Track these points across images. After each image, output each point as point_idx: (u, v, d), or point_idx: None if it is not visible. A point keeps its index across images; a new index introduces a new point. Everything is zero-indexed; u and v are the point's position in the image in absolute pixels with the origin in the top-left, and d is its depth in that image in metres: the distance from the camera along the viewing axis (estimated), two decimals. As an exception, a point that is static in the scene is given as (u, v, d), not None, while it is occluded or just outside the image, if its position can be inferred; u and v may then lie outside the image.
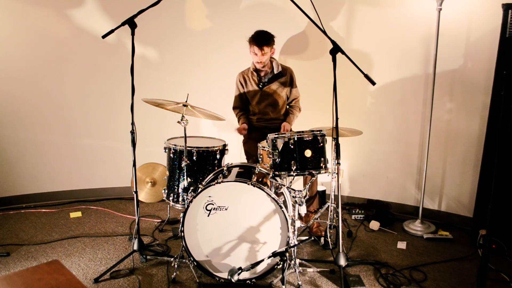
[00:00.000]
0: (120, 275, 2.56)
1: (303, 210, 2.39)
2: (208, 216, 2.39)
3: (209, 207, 2.39)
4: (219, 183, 2.34)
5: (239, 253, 2.41)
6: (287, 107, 3.43)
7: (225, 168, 2.64)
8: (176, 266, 2.55)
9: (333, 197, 3.00)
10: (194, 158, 2.83)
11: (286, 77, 3.29)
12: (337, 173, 2.47)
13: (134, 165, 2.58)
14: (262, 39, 3.08)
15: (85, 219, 3.49)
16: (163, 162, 3.14)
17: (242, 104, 3.42)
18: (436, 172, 3.55)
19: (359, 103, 3.81)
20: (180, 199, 2.92)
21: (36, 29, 3.59)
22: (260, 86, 3.27)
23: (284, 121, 3.34)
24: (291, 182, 2.56)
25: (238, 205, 2.38)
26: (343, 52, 2.35)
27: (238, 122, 3.42)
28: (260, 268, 2.40)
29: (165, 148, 3.00)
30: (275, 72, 3.26)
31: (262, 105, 3.32)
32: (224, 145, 2.99)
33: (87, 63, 3.79)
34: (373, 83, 2.32)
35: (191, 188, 2.56)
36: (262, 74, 3.28)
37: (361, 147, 3.83)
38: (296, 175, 2.42)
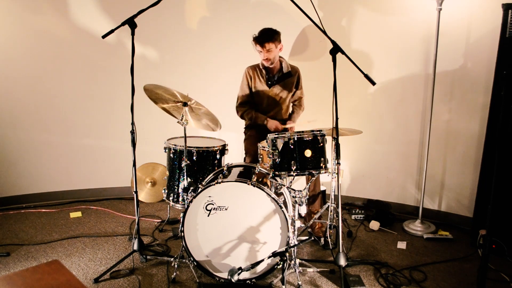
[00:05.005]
0: (120, 275, 2.56)
1: (303, 210, 2.39)
2: (208, 216, 2.39)
3: (209, 207, 2.39)
4: (219, 183, 2.34)
5: (239, 253, 2.41)
6: (291, 105, 3.44)
7: (225, 168, 2.64)
8: (176, 266, 2.55)
9: (333, 197, 3.00)
10: (194, 158, 2.83)
11: (293, 77, 3.29)
12: (337, 173, 2.47)
13: (134, 165, 2.58)
14: (262, 36, 3.07)
15: (85, 219, 3.49)
16: (163, 162, 3.14)
17: (250, 99, 3.32)
18: (436, 172, 3.55)
19: (359, 103, 3.81)
20: (180, 199, 2.92)
21: (35, 29, 3.59)
22: (269, 84, 3.27)
23: (289, 120, 3.36)
24: (291, 182, 2.56)
25: (238, 205, 2.38)
26: (343, 52, 2.35)
27: (251, 119, 3.29)
28: (260, 268, 2.40)
29: (165, 148, 3.00)
30: (284, 71, 3.25)
31: (264, 105, 3.31)
32: (224, 145, 2.99)
33: (87, 63, 3.79)
34: (373, 83, 2.32)
35: (191, 188, 2.56)
36: (271, 72, 3.27)
37: (361, 147, 3.83)
38: (296, 175, 2.42)
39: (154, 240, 3.09)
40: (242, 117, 3.37)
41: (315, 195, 3.16)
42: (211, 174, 2.71)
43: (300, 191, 2.40)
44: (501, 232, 2.82)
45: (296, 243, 2.37)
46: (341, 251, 2.46)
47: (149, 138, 3.59)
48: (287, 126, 3.27)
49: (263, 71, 3.26)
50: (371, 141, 3.77)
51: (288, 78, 3.28)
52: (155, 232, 3.24)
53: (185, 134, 2.66)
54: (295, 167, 2.39)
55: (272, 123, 3.24)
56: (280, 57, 3.27)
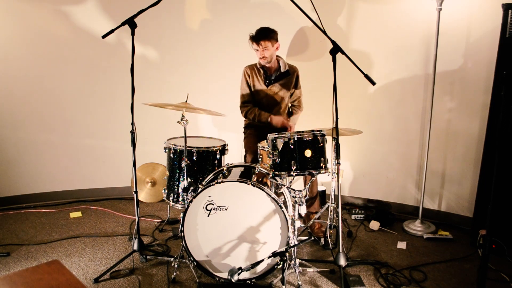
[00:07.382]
0: (120, 275, 2.56)
1: (303, 210, 2.39)
2: (208, 216, 2.39)
3: (209, 207, 2.39)
4: (219, 183, 2.35)
5: (239, 253, 2.41)
6: (290, 106, 3.44)
7: (225, 168, 2.64)
8: (176, 266, 2.55)
9: (333, 197, 3.00)
10: (194, 158, 2.83)
11: (291, 76, 3.29)
12: (337, 173, 2.47)
13: (134, 165, 2.58)
14: (258, 35, 3.08)
15: (85, 219, 3.49)
16: (163, 162, 3.14)
17: (252, 98, 3.30)
18: (436, 172, 3.55)
19: (359, 103, 3.81)
20: (180, 199, 2.92)
21: (36, 29, 3.59)
22: (267, 83, 3.26)
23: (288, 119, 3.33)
24: (291, 182, 2.56)
25: (238, 205, 2.38)
26: (343, 52, 2.35)
27: (255, 118, 3.25)
28: (260, 268, 2.40)
29: (165, 148, 3.00)
30: (282, 70, 3.25)
31: (263, 104, 3.31)
32: (224, 145, 2.99)
33: (87, 63, 3.79)
34: (373, 83, 2.32)
35: (191, 188, 2.56)
36: (269, 71, 3.27)
37: (361, 147, 3.83)
38: (296, 175, 2.42)
39: (154, 240, 3.09)
40: (246, 116, 3.34)
41: (313, 197, 3.16)
42: (211, 174, 2.71)
43: (300, 191, 2.40)
44: (501, 232, 2.82)
45: (296, 243, 2.37)
46: (341, 251, 2.47)
47: (149, 138, 3.59)
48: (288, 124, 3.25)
49: (261, 70, 3.26)
50: (371, 141, 3.77)
51: (286, 77, 3.27)
52: (155, 232, 3.24)
53: (185, 134, 2.66)
54: (295, 167, 2.39)
55: (277, 119, 3.19)
56: (277, 56, 3.27)
